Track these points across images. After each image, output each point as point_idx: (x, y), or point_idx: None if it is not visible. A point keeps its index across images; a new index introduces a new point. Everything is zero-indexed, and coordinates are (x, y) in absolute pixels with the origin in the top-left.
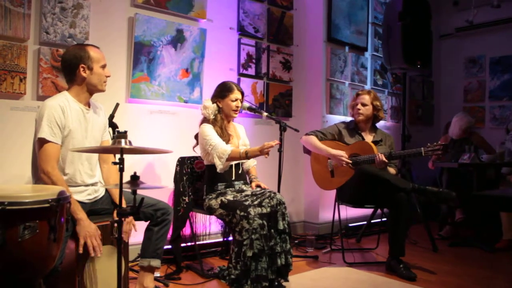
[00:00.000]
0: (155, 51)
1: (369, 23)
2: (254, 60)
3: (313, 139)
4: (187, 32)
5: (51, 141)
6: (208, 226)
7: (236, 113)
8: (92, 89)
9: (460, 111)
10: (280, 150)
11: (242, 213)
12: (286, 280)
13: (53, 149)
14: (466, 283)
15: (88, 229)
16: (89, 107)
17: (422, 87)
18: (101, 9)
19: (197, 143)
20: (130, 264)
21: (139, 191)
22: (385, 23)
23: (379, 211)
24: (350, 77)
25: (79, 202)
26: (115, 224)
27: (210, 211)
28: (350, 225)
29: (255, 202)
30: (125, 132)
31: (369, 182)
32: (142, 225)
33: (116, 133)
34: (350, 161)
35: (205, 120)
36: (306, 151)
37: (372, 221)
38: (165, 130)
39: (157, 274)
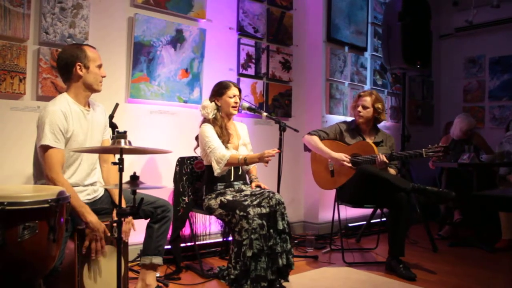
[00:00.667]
0: (155, 51)
1: (368, 23)
2: (253, 60)
3: (316, 139)
4: (187, 32)
5: (55, 147)
6: (207, 226)
7: (235, 109)
8: (88, 89)
9: (462, 112)
10: (279, 150)
11: (241, 213)
12: (286, 280)
13: (57, 154)
14: (466, 283)
15: (97, 232)
16: (89, 107)
17: (421, 87)
18: (100, 9)
19: (198, 145)
20: (129, 264)
21: (138, 191)
22: (385, 23)
23: (378, 211)
24: (350, 77)
25: None
26: (114, 224)
27: (209, 211)
28: (350, 225)
29: (255, 202)
30: (125, 132)
31: (369, 182)
32: (142, 224)
33: (115, 133)
34: (350, 165)
35: (205, 120)
36: (307, 149)
37: (371, 221)
38: (165, 130)
39: (157, 273)
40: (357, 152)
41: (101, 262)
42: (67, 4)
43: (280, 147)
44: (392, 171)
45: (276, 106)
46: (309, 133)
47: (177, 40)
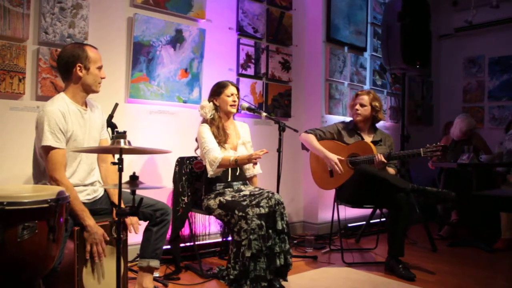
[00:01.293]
0: (154, 51)
1: (368, 23)
2: (253, 60)
3: (311, 138)
4: (186, 32)
5: (57, 147)
6: (207, 226)
7: (234, 108)
8: (87, 90)
9: (463, 113)
10: (279, 151)
11: (240, 214)
12: (285, 280)
13: (59, 155)
14: (465, 283)
15: (96, 236)
16: (86, 107)
17: (421, 87)
18: (100, 9)
19: (198, 146)
20: (129, 264)
21: (138, 191)
22: (385, 23)
23: (378, 211)
24: (349, 77)
25: None
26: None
27: (209, 211)
28: (349, 225)
29: (253, 203)
30: (124, 132)
31: (368, 182)
32: (141, 226)
33: (115, 133)
34: (341, 170)
35: (204, 120)
36: (305, 148)
37: (371, 221)
38: (164, 130)
39: (156, 274)
40: (356, 152)
41: (101, 262)
42: (67, 4)
43: (279, 147)
44: (391, 170)
45: (276, 106)
46: (306, 132)
47: (176, 40)
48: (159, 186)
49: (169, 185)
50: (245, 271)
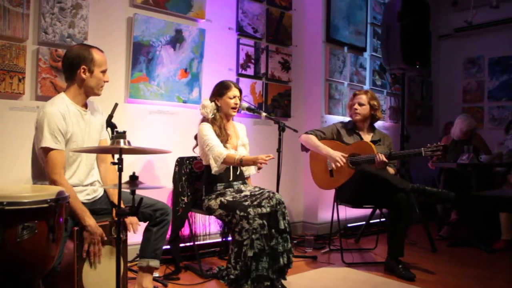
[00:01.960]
0: (154, 51)
1: (368, 23)
2: (253, 60)
3: (313, 138)
4: (186, 32)
5: (56, 148)
6: (207, 226)
7: (235, 111)
8: (88, 92)
9: (464, 113)
10: (279, 151)
11: (241, 213)
12: (284, 279)
13: (58, 156)
14: (465, 283)
15: (94, 236)
16: (86, 108)
17: (421, 88)
18: (100, 9)
19: (197, 144)
20: (129, 264)
21: (138, 191)
22: (384, 24)
23: (378, 211)
24: (349, 78)
25: None
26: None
27: (209, 211)
28: (349, 225)
29: (255, 203)
30: (124, 132)
31: (368, 182)
32: (142, 225)
33: (115, 133)
34: (345, 162)
35: (204, 119)
36: (304, 149)
37: (371, 221)
38: (164, 130)
39: (156, 274)
40: (356, 152)
41: (101, 262)
42: (67, 4)
43: (279, 148)
44: (390, 170)
45: (275, 106)
46: (306, 133)
47: (176, 40)
48: (159, 186)
49: (169, 185)
50: (247, 271)
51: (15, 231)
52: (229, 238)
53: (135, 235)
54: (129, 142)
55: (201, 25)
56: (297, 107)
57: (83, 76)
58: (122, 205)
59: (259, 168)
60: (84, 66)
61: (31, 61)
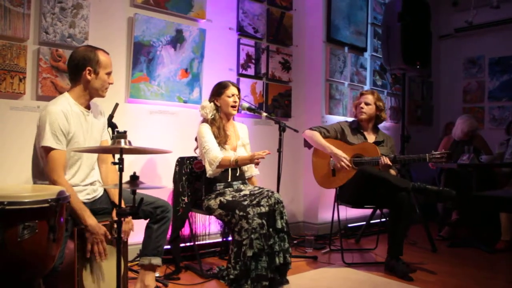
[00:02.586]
0: (155, 51)
1: (368, 23)
2: (253, 61)
3: (317, 135)
4: (187, 32)
5: (57, 148)
6: (207, 226)
7: (235, 109)
8: (93, 93)
9: (465, 114)
10: (279, 151)
11: (241, 213)
12: (285, 279)
13: (59, 156)
14: (465, 284)
15: (97, 235)
16: (89, 109)
17: (421, 88)
18: (100, 9)
19: (198, 145)
20: (129, 264)
21: (138, 191)
22: (385, 24)
23: (378, 211)
24: (350, 78)
25: None
26: (115, 225)
27: (209, 211)
28: (349, 225)
29: (254, 202)
30: (125, 132)
31: (369, 182)
32: (141, 224)
33: (115, 133)
34: (350, 165)
35: (204, 120)
36: (307, 145)
37: (371, 221)
38: (165, 130)
39: (156, 274)
40: (360, 153)
41: (101, 262)
42: (67, 4)
43: (279, 148)
44: (392, 171)
45: (276, 106)
46: (310, 129)
47: (177, 40)
48: (159, 186)
49: (169, 185)
50: (246, 271)
51: (16, 231)
52: (230, 238)
53: (136, 234)
54: (129, 142)
55: (202, 25)
56: (297, 107)
57: (88, 77)
58: (123, 205)
59: (256, 164)
60: (89, 68)
61: (31, 61)
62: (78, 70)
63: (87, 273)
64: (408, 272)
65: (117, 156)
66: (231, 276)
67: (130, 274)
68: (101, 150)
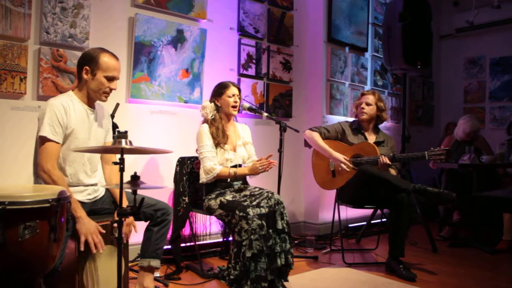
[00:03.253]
0: (155, 51)
1: (369, 23)
2: (254, 61)
3: (317, 136)
4: (187, 32)
5: (52, 139)
6: (208, 226)
7: (235, 109)
8: (90, 94)
9: (468, 114)
10: (280, 151)
11: (241, 214)
12: (286, 280)
13: (53, 147)
14: (466, 284)
15: (88, 226)
16: (94, 108)
17: (422, 88)
18: (101, 9)
19: None
20: (130, 264)
21: (139, 191)
22: (385, 24)
23: (379, 211)
24: (350, 78)
25: (79, 202)
26: (115, 224)
27: (209, 211)
28: (350, 225)
29: (254, 203)
30: (126, 132)
31: (369, 182)
32: (142, 225)
33: (116, 133)
34: (350, 167)
35: (205, 120)
36: (307, 145)
37: (372, 221)
38: (166, 130)
39: (156, 274)
40: (359, 153)
41: (102, 262)
42: (68, 4)
43: (280, 148)
44: (392, 171)
45: (277, 106)
46: (311, 129)
47: (177, 40)
48: (160, 186)
49: (170, 185)
50: (246, 271)
51: (17, 231)
52: (230, 238)
53: (136, 235)
54: (130, 142)
55: (203, 25)
56: (298, 107)
57: (85, 77)
58: (124, 205)
59: (264, 170)
60: (87, 67)
61: (32, 61)
62: (79, 67)
63: (87, 273)
64: (407, 279)
65: (118, 156)
66: (232, 277)
67: (131, 274)
68: (102, 150)
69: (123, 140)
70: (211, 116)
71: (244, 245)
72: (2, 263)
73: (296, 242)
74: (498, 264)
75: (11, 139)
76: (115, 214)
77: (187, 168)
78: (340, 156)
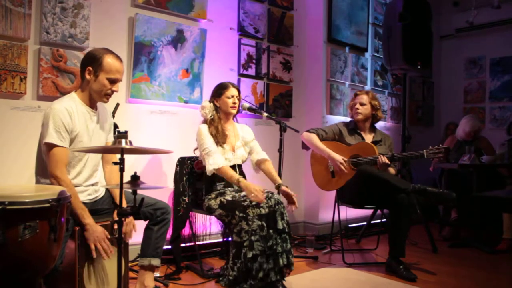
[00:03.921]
0: (156, 51)
1: (369, 23)
2: (254, 61)
3: (314, 138)
4: (188, 32)
5: (60, 145)
6: (208, 226)
7: (234, 109)
8: (92, 95)
9: (469, 114)
10: (280, 151)
11: (241, 214)
12: (283, 279)
13: (62, 153)
14: (466, 284)
15: (97, 233)
16: (96, 109)
17: (422, 88)
18: (101, 9)
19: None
20: (130, 264)
21: (139, 191)
22: (386, 24)
23: (379, 211)
24: (350, 78)
25: None
26: (115, 224)
27: (209, 211)
28: (350, 225)
29: (254, 203)
30: (126, 132)
31: (369, 182)
32: (141, 225)
33: (116, 133)
34: (348, 168)
35: (204, 120)
36: (305, 147)
37: (372, 221)
38: (166, 130)
39: (156, 274)
40: (358, 153)
41: (102, 262)
42: (68, 4)
43: (280, 148)
44: (391, 170)
45: (277, 106)
46: (308, 131)
47: (177, 40)
48: (160, 186)
49: (170, 185)
50: (246, 272)
51: (17, 231)
52: (230, 239)
53: (136, 234)
54: (130, 142)
55: (203, 25)
56: (298, 108)
57: (88, 77)
58: (125, 205)
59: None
60: (90, 68)
61: (32, 61)
62: (83, 68)
63: (87, 273)
64: (408, 279)
65: (118, 156)
66: (230, 277)
67: (131, 274)
68: (102, 150)
69: (123, 140)
70: (210, 116)
71: (245, 246)
72: (2, 263)
73: (296, 242)
74: (498, 264)
75: (11, 139)
76: (115, 214)
77: (187, 168)
78: (339, 157)
